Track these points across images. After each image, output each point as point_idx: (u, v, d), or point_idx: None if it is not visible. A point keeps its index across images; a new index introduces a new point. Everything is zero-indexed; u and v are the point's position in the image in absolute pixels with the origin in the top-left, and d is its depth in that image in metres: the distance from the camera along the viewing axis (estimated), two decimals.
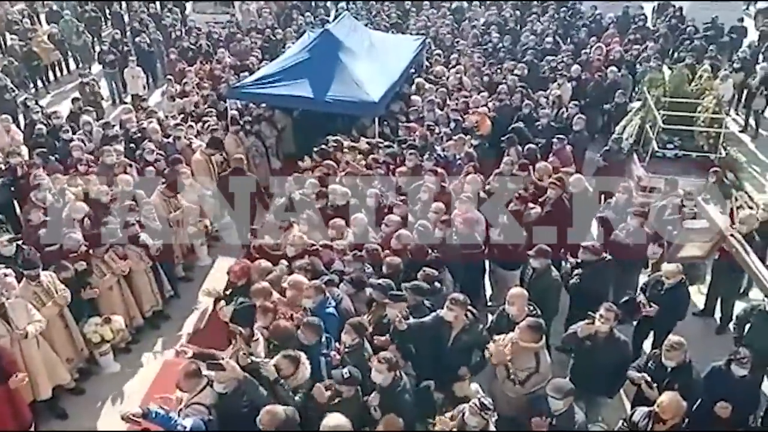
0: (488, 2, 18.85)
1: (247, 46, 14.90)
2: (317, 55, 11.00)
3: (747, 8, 20.47)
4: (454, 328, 5.67)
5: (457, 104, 11.52)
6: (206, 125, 10.58)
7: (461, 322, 5.67)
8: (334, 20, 13.89)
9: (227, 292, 6.70)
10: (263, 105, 11.32)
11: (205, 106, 11.67)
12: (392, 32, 15.64)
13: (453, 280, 6.84)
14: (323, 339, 5.52)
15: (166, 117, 11.25)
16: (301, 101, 10.69)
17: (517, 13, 17.68)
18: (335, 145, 9.55)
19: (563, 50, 14.49)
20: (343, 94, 10.36)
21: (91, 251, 7.10)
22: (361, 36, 12.35)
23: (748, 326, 6.55)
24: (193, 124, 10.77)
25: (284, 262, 6.90)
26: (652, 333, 6.95)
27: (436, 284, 6.30)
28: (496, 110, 11.31)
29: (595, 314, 5.70)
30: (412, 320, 5.67)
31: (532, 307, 5.82)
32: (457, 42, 15.07)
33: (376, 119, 10.47)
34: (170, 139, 10.03)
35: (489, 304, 7.89)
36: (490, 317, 6.49)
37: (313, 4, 18.96)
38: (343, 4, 18.74)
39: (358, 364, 5.18)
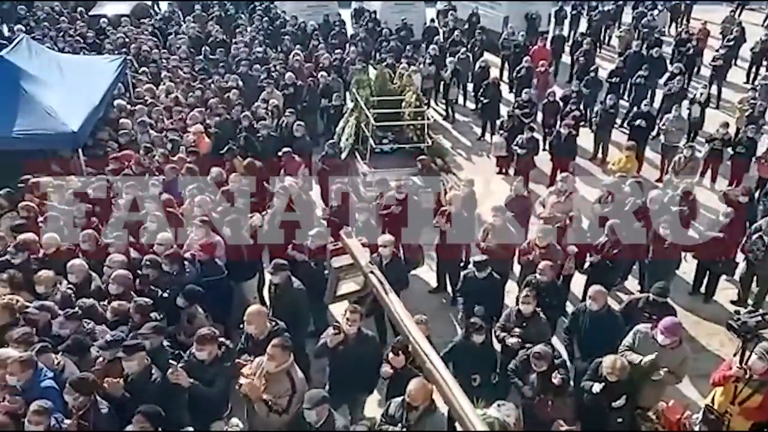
0: (192, 16, 18.20)
1: None
2: None
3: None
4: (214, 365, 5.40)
5: (173, 123, 10.85)
6: None
7: (214, 357, 5.38)
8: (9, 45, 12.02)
9: None
10: None
11: None
12: (85, 53, 14.16)
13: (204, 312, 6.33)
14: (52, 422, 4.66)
15: None
16: None
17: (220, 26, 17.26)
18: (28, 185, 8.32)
19: (272, 58, 14.60)
20: (34, 127, 8.97)
21: None
22: (46, 61, 10.82)
23: (467, 295, 7.14)
24: None
25: None
26: None
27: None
28: (216, 126, 10.91)
29: None
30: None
31: (274, 323, 5.67)
32: (163, 58, 14.24)
33: (80, 150, 9.33)
34: None
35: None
36: None
37: None
38: (21, 26, 16.39)
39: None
